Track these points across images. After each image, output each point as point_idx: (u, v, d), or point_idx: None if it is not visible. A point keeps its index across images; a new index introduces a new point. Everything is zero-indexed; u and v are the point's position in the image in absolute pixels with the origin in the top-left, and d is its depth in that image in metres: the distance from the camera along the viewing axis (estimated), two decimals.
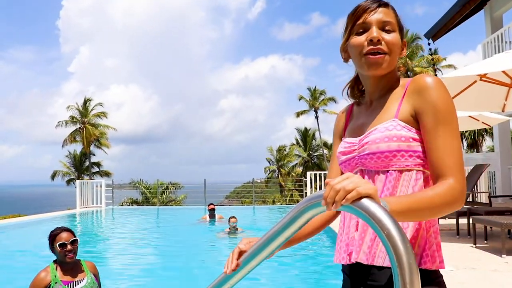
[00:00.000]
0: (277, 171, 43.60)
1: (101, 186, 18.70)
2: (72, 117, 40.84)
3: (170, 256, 8.42)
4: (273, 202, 32.79)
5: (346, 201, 0.98)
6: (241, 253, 1.39)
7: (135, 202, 27.65)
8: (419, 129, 1.26)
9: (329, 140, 46.27)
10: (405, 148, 1.25)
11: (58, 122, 40.91)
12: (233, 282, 1.47)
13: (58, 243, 3.21)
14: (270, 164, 44.71)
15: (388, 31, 1.32)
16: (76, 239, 3.29)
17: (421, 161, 1.26)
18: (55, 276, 3.21)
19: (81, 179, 30.25)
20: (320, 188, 19.08)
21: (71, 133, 40.71)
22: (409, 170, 1.26)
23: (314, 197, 1.15)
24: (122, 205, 23.79)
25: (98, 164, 43.50)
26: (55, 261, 3.31)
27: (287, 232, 1.26)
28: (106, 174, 42.64)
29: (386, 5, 1.35)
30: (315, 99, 43.96)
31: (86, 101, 41.79)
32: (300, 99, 44.08)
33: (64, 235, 3.25)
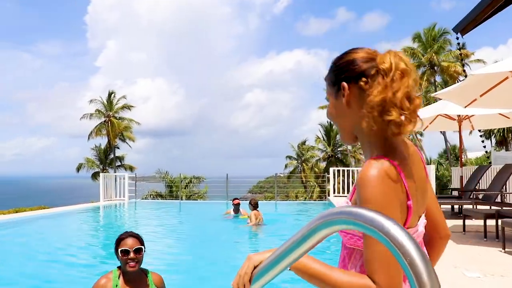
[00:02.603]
0: (300, 166, 43.38)
1: (124, 179, 18.90)
2: (98, 111, 41.46)
3: (194, 251, 8.40)
4: (296, 197, 32.67)
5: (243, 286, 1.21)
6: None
7: (159, 195, 27.87)
8: None
9: None
10: (349, 231, 1.22)
11: (83, 115, 41.65)
12: None
13: (121, 248, 2.96)
14: (291, 159, 44.55)
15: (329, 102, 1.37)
16: (141, 248, 3.01)
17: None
18: (116, 285, 2.98)
19: (105, 171, 30.67)
20: (343, 184, 18.89)
21: (97, 126, 41.35)
22: (355, 251, 1.26)
23: (328, 215, 1.05)
24: (145, 198, 24.02)
25: (121, 158, 44.10)
26: (119, 267, 3.07)
27: (299, 250, 1.16)
28: (130, 167, 43.20)
29: (325, 79, 1.37)
30: None
31: (110, 95, 42.33)
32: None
33: (129, 241, 2.99)
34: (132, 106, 43.36)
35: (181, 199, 21.48)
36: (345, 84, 1.27)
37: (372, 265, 1.08)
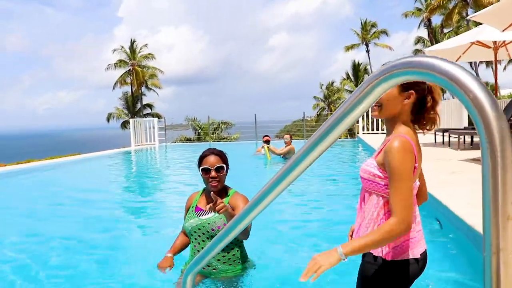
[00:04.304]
0: (327, 107, 43.07)
1: (153, 128, 19.27)
2: (121, 60, 41.61)
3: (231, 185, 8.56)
4: None
5: (316, 273, 1.65)
6: None
7: (188, 140, 28.29)
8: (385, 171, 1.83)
9: None
10: (372, 179, 1.87)
11: (108, 65, 41.91)
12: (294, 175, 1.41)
13: (202, 167, 2.87)
14: (318, 101, 44.16)
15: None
16: (223, 166, 2.89)
17: (381, 190, 1.85)
18: (196, 199, 3.01)
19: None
20: (372, 123, 18.73)
21: (121, 75, 41.64)
22: (372, 194, 1.90)
23: (389, 68, 1.04)
24: (175, 143, 24.47)
25: (150, 106, 44.57)
26: None
27: (359, 109, 1.16)
28: (158, 116, 43.69)
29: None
30: (366, 32, 42.28)
31: (132, 43, 42.28)
32: (353, 33, 42.61)
33: (211, 159, 2.88)
34: (153, 56, 43.09)
35: (210, 142, 21.79)
36: (414, 92, 1.86)
37: (393, 207, 1.72)
